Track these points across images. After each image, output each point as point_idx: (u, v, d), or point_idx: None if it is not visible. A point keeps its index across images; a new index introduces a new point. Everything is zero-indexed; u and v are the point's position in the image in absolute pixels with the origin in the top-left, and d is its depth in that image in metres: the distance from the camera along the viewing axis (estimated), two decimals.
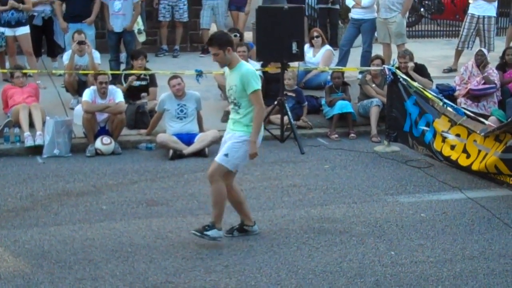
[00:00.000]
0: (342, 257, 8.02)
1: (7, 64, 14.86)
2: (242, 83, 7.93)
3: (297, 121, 12.95)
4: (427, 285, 7.39)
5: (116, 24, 14.97)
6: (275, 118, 12.94)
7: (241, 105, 8.04)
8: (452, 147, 11.15)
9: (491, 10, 16.34)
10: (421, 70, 13.64)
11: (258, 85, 7.97)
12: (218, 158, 8.10)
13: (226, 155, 8.05)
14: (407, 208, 9.59)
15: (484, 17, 16.21)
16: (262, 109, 8.03)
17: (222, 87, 13.25)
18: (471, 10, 16.37)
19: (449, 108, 11.31)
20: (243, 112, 8.05)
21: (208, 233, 8.16)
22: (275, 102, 12.65)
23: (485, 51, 14.08)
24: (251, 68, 8.11)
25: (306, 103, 13.38)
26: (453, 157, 11.10)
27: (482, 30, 16.28)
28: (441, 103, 11.40)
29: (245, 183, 10.50)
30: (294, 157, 11.87)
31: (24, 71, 13.12)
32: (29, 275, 7.52)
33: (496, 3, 16.50)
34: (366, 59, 15.12)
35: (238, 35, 15.02)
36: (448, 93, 13.68)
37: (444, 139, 11.26)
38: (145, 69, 13.32)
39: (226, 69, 8.25)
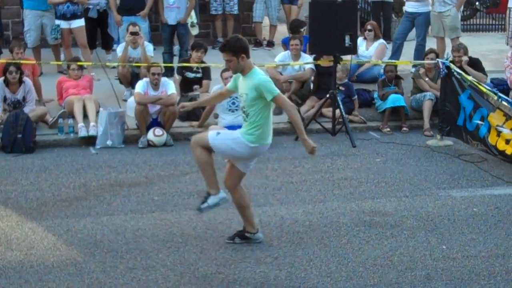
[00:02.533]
0: (393, 251, 7.98)
1: (62, 56, 15.05)
2: (257, 93, 7.53)
3: (349, 115, 12.87)
4: (478, 280, 7.32)
5: (170, 17, 15.05)
6: (327, 111, 12.89)
7: (249, 115, 7.66)
8: (507, 142, 11.00)
9: None
10: (475, 64, 13.48)
11: (276, 89, 7.61)
12: (210, 132, 7.85)
13: (218, 133, 7.80)
14: (459, 203, 9.49)
15: None
16: (293, 108, 7.75)
17: (274, 80, 13.24)
18: None
19: (504, 102, 11.15)
20: (251, 122, 7.66)
21: (204, 205, 7.96)
22: (327, 95, 12.60)
23: None
24: (264, 76, 7.73)
25: (356, 96, 13.28)
26: (508, 152, 10.95)
27: None
28: (495, 97, 11.25)
29: (296, 176, 10.51)
30: (346, 150, 11.83)
31: (79, 63, 13.26)
32: (81, 264, 7.62)
33: None
34: (420, 52, 15.00)
35: (305, 28, 14.98)
36: (502, 87, 13.49)
37: (499, 133, 11.11)
38: (202, 62, 13.34)
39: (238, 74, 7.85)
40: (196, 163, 8.05)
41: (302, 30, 14.97)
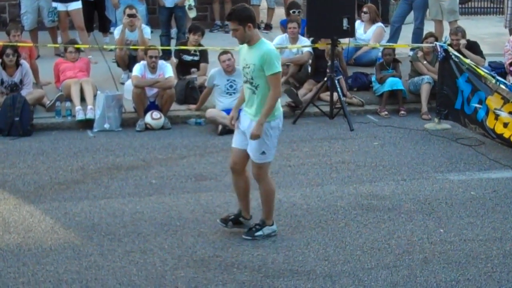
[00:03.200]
0: (391, 234, 7.99)
1: (59, 39, 15.00)
2: (262, 63, 7.33)
3: (345, 98, 12.83)
4: (476, 263, 7.33)
5: None
6: (325, 94, 12.87)
7: (258, 86, 7.43)
8: (505, 125, 11.00)
9: None
10: (473, 47, 13.45)
11: (279, 67, 7.38)
12: (256, 157, 7.56)
13: (263, 153, 7.53)
14: (457, 186, 9.50)
15: None
16: (278, 93, 7.41)
17: None
18: None
19: (502, 86, 11.14)
20: (262, 96, 7.44)
21: (259, 233, 7.82)
22: (325, 79, 12.57)
23: None
24: (273, 48, 7.52)
25: (341, 76, 13.13)
26: (506, 135, 10.95)
27: None
28: (493, 81, 11.23)
29: (293, 159, 10.50)
30: (343, 134, 11.82)
31: (76, 46, 13.22)
32: (79, 247, 7.62)
33: None
34: (418, 35, 14.95)
35: (300, 11, 14.92)
36: (500, 70, 13.45)
37: (497, 117, 11.10)
38: (199, 45, 13.30)
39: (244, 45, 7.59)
40: (264, 196, 7.81)
41: (292, 12, 14.91)
